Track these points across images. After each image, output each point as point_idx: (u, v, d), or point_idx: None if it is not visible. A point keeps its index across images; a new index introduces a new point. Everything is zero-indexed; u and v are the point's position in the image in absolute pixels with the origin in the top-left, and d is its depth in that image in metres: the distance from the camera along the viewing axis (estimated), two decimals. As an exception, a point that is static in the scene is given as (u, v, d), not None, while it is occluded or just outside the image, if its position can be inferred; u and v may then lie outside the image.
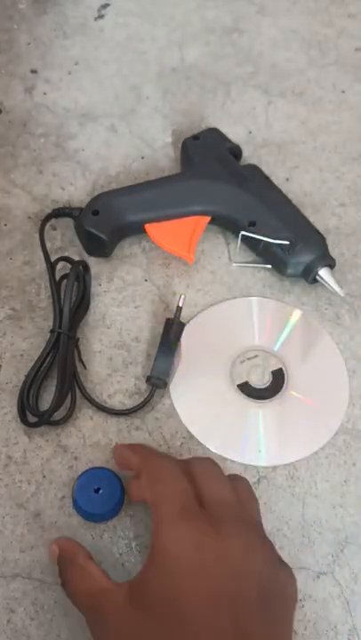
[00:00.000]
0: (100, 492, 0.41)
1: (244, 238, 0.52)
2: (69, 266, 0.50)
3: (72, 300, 0.48)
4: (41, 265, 0.52)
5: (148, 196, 0.53)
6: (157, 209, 0.52)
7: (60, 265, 0.51)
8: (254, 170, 0.55)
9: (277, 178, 0.57)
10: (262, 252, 0.52)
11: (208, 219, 0.52)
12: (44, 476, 0.44)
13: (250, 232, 0.51)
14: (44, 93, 0.63)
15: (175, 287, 0.52)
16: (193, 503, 0.34)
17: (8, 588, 0.41)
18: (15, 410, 0.46)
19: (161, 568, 0.32)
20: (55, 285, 0.49)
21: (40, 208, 0.56)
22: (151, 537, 0.32)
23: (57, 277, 0.50)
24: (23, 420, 0.45)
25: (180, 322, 0.48)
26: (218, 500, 0.34)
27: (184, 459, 0.38)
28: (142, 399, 0.46)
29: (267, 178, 0.55)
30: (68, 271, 0.49)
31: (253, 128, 0.62)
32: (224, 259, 0.54)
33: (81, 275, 0.50)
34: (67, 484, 0.44)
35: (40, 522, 0.43)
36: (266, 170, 0.56)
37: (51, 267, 0.50)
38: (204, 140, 0.56)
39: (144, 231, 0.52)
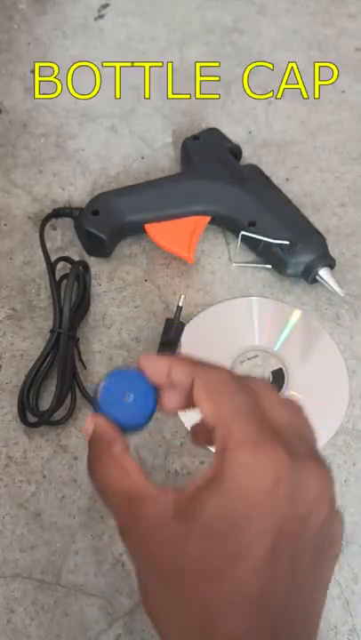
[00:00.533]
0: (130, 398, 0.32)
1: (244, 238, 0.52)
2: (69, 266, 0.50)
3: (72, 300, 0.48)
4: (41, 265, 0.52)
5: (148, 196, 0.53)
6: (157, 209, 0.52)
7: (60, 265, 0.51)
8: (254, 170, 0.55)
9: (277, 178, 0.57)
10: (262, 252, 0.52)
11: (208, 219, 0.52)
12: (44, 476, 0.44)
13: (250, 232, 0.51)
14: (44, 93, 0.63)
15: (175, 287, 0.52)
16: (268, 426, 0.28)
17: (8, 588, 0.41)
18: (15, 410, 0.46)
19: (226, 491, 0.27)
20: (55, 285, 0.49)
21: (40, 208, 0.56)
22: (217, 455, 0.28)
23: (57, 277, 0.50)
24: (23, 419, 0.45)
25: (180, 322, 0.48)
26: (290, 429, 0.29)
27: (240, 375, 0.32)
28: (142, 399, 0.46)
29: (267, 178, 0.55)
30: (68, 271, 0.49)
31: (253, 128, 0.62)
32: (224, 259, 0.54)
33: (81, 275, 0.50)
34: (67, 484, 0.44)
35: (40, 522, 0.43)
36: (266, 170, 0.56)
37: (51, 267, 0.50)
38: (204, 140, 0.56)
39: (144, 231, 0.52)
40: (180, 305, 0.47)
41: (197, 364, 0.31)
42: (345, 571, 0.41)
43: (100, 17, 0.70)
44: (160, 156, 0.60)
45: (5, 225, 0.55)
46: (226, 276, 0.53)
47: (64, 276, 0.50)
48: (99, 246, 0.52)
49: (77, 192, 0.57)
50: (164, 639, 0.27)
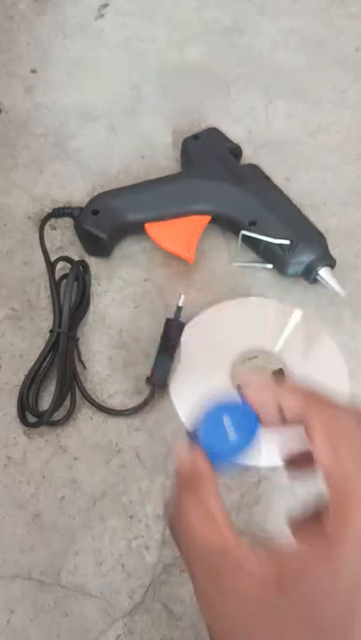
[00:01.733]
0: (232, 429, 0.29)
1: (245, 238, 0.51)
2: (69, 266, 0.50)
3: (72, 300, 0.47)
4: (41, 265, 0.52)
5: (148, 196, 0.53)
6: (157, 208, 0.52)
7: (59, 265, 0.51)
8: (254, 169, 0.55)
9: (277, 178, 0.56)
10: (262, 252, 0.52)
11: (208, 218, 0.52)
12: (44, 477, 0.44)
13: (250, 232, 0.51)
14: (44, 93, 0.63)
15: (175, 287, 0.52)
16: None
17: (8, 588, 0.41)
18: (15, 410, 0.46)
19: (341, 568, 0.22)
20: (55, 285, 0.49)
21: (40, 208, 0.56)
22: (331, 515, 0.24)
23: (57, 277, 0.50)
24: (23, 420, 0.45)
25: (180, 321, 0.48)
26: None
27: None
28: (143, 399, 0.46)
29: (267, 177, 0.55)
30: (67, 271, 0.49)
31: (253, 128, 0.61)
32: (224, 259, 0.53)
33: (80, 274, 0.49)
34: (66, 485, 0.44)
35: (40, 522, 0.43)
36: (266, 170, 0.56)
37: (50, 266, 0.50)
38: (204, 140, 0.56)
39: (144, 231, 0.52)
40: (180, 305, 0.47)
41: (311, 397, 0.27)
42: (346, 571, 0.41)
43: (100, 17, 0.70)
44: (160, 155, 0.60)
45: (5, 225, 0.55)
46: (226, 276, 0.53)
47: (64, 276, 0.49)
48: (99, 246, 0.52)
49: (77, 192, 0.57)
50: None
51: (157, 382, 0.46)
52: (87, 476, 0.44)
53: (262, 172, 0.55)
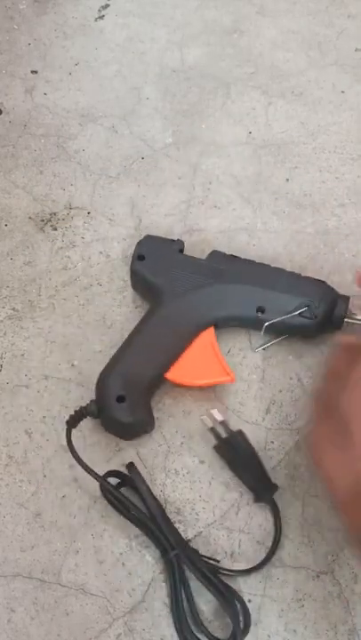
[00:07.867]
0: None
1: (268, 327, 0.47)
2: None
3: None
4: (41, 265, 0.52)
5: (142, 351, 0.46)
6: (161, 354, 0.46)
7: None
8: (218, 257, 0.50)
9: (277, 178, 0.57)
10: (285, 330, 0.48)
11: (212, 329, 0.47)
12: (45, 476, 0.44)
13: (265, 319, 0.47)
14: (45, 94, 0.64)
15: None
16: None
17: (8, 587, 0.41)
18: (15, 409, 0.46)
19: None
20: (117, 497, 0.42)
21: (41, 208, 0.56)
22: None
23: (114, 485, 0.42)
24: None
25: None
26: None
27: None
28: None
29: (234, 257, 0.50)
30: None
31: (253, 128, 0.62)
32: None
33: (140, 481, 0.42)
34: (67, 484, 0.44)
35: (40, 521, 0.43)
36: (266, 170, 0.56)
37: (104, 482, 0.42)
38: (150, 258, 0.50)
39: (167, 381, 0.45)
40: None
41: None
42: (345, 570, 0.42)
43: (101, 17, 0.70)
44: (160, 156, 0.60)
45: (6, 225, 0.55)
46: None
47: (121, 483, 0.43)
48: (134, 429, 0.45)
49: (78, 193, 0.57)
50: None
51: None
52: (88, 474, 0.44)
53: (225, 255, 0.50)
